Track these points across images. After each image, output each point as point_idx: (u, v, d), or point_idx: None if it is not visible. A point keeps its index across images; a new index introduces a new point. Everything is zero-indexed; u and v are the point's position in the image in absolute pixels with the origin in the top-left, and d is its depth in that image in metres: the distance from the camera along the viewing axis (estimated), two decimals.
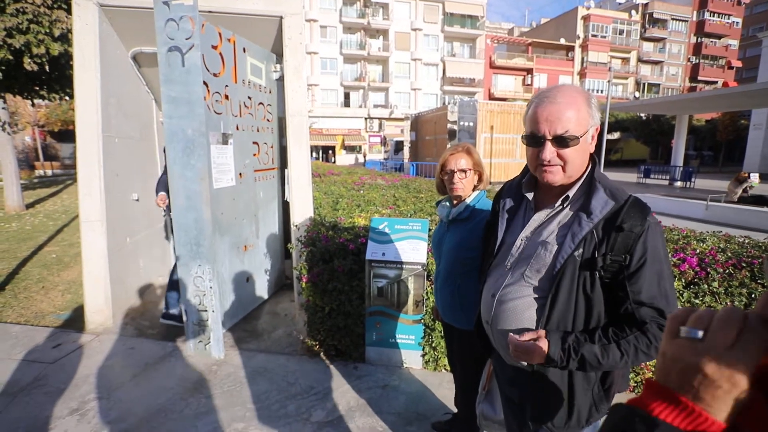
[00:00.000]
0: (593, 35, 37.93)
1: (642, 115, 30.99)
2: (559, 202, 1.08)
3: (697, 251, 2.41)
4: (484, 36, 35.58)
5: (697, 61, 42.26)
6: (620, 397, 1.17)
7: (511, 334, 1.04)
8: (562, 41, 38.64)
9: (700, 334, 0.39)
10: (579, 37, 38.29)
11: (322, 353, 2.94)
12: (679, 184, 17.88)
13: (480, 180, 1.76)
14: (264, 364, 2.88)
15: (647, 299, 0.97)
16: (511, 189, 1.24)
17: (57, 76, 10.41)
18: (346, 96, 33.59)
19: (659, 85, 41.80)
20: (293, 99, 3.44)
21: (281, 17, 3.38)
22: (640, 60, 40.73)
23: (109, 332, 3.29)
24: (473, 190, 1.76)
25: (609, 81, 18.76)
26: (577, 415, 1.09)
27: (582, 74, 38.46)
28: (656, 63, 41.64)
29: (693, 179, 17.49)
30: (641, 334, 0.97)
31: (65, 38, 9.01)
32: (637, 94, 36.46)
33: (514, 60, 37.38)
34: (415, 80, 34.30)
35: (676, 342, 0.41)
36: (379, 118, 33.71)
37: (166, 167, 3.08)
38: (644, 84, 41.14)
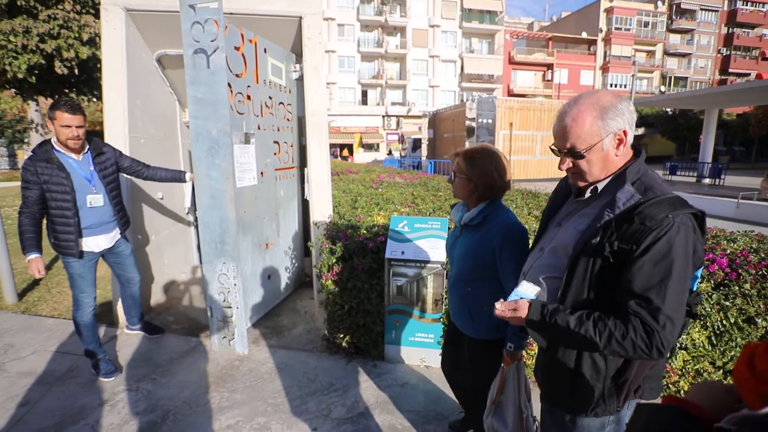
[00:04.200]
0: (617, 28, 36.87)
1: (668, 110, 29.98)
2: (588, 192, 1.17)
3: (728, 252, 2.32)
4: (503, 31, 35.05)
5: (728, 52, 40.61)
6: None
7: (496, 303, 1.18)
8: (584, 35, 37.72)
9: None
10: (601, 31, 37.30)
11: (341, 351, 2.97)
12: (707, 181, 17.25)
13: (473, 189, 1.61)
14: (285, 360, 2.93)
15: (639, 289, 0.97)
16: (562, 182, 1.36)
17: (85, 79, 10.80)
18: (364, 94, 33.65)
19: (686, 78, 40.35)
20: (312, 98, 3.48)
21: (301, 17, 3.41)
22: (666, 53, 39.41)
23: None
24: (482, 198, 1.64)
25: (633, 75, 18.25)
26: (581, 400, 1.13)
27: (604, 69, 37.48)
28: (684, 56, 40.21)
29: (722, 176, 16.84)
30: (622, 323, 0.98)
31: (93, 42, 9.35)
32: (662, 89, 35.28)
33: (533, 55, 36.72)
34: (432, 77, 34.09)
35: None
36: (396, 116, 33.67)
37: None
38: (670, 78, 39.79)
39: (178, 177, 3.14)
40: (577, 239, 1.10)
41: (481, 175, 1.59)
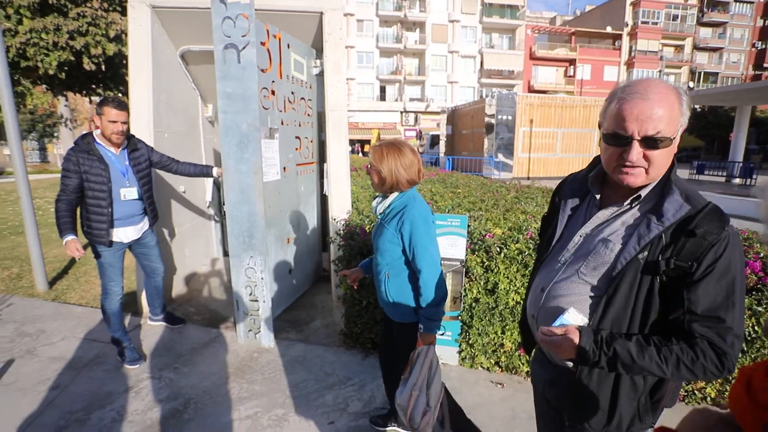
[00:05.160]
0: (643, 22, 35.71)
1: (696, 107, 28.96)
2: (629, 201, 1.03)
3: (761, 255, 2.23)
4: (524, 26, 34.42)
5: (764, 46, 38.85)
6: (668, 413, 1.13)
7: (543, 327, 1.02)
8: (609, 29, 36.69)
9: None
10: (627, 25, 36.20)
11: (358, 345, 2.98)
12: (737, 180, 16.61)
13: (382, 181, 1.72)
14: (303, 353, 2.96)
15: (704, 311, 0.90)
16: (574, 182, 1.20)
17: (111, 75, 11.08)
18: (382, 90, 33.59)
19: (717, 74, 38.81)
20: (333, 94, 3.48)
21: (321, 13, 3.41)
22: (696, 47, 37.98)
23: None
24: (392, 189, 1.74)
25: (660, 71, 17.63)
26: (617, 421, 1.06)
27: (629, 64, 36.40)
28: (714, 50, 38.67)
29: (754, 176, 16.18)
30: (688, 347, 0.90)
31: (119, 39, 9.57)
32: (691, 84, 34.08)
33: (555, 50, 35.93)
34: (451, 73, 33.76)
35: None
36: (414, 112, 33.51)
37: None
38: (700, 73, 38.35)
39: (205, 172, 3.20)
40: (618, 254, 0.99)
41: (388, 168, 1.69)
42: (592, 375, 1.06)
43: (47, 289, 4.09)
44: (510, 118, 17.43)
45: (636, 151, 0.94)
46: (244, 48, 2.65)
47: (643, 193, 1.01)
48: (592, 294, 1.03)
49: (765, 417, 0.41)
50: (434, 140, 23.32)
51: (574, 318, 1.04)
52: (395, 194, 1.75)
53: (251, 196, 2.82)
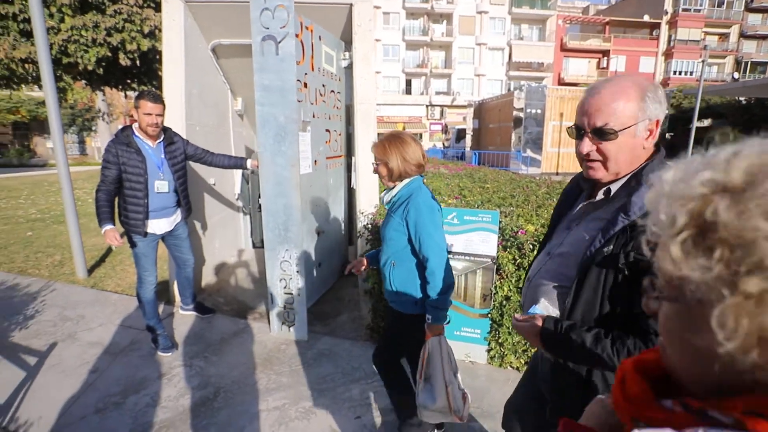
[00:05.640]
0: (684, 9, 33.75)
1: (741, 99, 27.30)
2: (601, 194, 1.06)
3: None
4: (555, 17, 33.26)
5: None
6: None
7: (515, 314, 1.13)
8: (646, 18, 34.98)
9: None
10: (666, 13, 34.35)
11: None
12: None
13: (391, 172, 1.75)
14: (329, 346, 2.97)
15: None
16: (575, 178, 1.25)
17: (145, 70, 11.43)
18: (408, 83, 33.31)
19: (766, 63, 36.40)
20: (361, 86, 3.45)
21: (351, 4, 3.37)
22: (742, 35, 35.67)
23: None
24: (397, 179, 1.77)
25: (704, 61, 16.69)
26: None
27: (668, 54, 34.61)
28: (764, 38, 36.19)
29: None
30: (642, 342, 0.91)
31: (153, 35, 9.86)
32: (736, 75, 32.07)
33: (588, 41, 34.60)
34: (479, 66, 33.08)
35: None
36: (440, 106, 33.10)
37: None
38: (746, 63, 36.06)
39: (239, 164, 3.24)
40: (587, 246, 1.01)
41: (394, 158, 1.73)
42: (566, 368, 1.08)
43: (86, 277, 4.27)
44: (539, 111, 16.95)
45: (586, 144, 1.02)
46: (282, 40, 2.63)
47: (613, 187, 1.03)
48: (564, 285, 1.07)
49: (632, 410, 0.43)
50: (460, 134, 22.99)
51: (545, 308, 1.10)
52: (402, 183, 1.78)
53: (288, 189, 2.82)
